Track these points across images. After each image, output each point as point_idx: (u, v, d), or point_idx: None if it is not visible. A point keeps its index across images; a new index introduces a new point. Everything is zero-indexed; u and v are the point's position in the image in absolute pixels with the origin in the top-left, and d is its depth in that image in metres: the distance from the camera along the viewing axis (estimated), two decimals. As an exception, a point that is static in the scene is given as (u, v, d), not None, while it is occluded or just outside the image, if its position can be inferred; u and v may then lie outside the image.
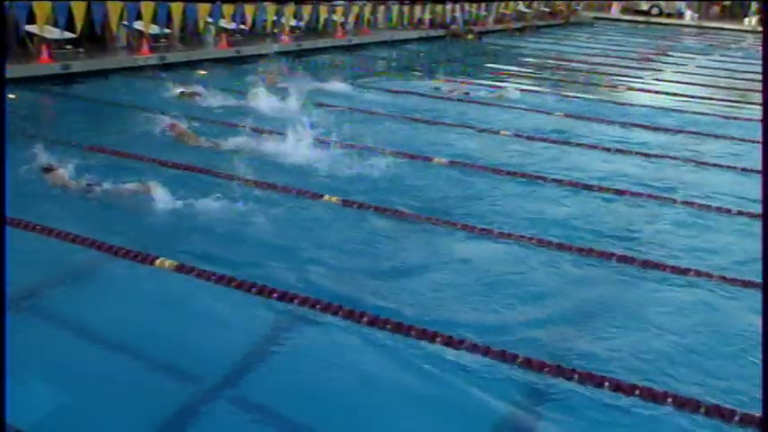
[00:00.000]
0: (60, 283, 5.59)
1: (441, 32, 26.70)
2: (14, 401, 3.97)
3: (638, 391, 4.35)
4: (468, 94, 14.48)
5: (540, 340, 4.96)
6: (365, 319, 4.97)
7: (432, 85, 15.60)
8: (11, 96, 11.80)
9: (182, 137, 9.42)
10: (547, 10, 36.61)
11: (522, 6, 34.49)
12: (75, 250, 5.96)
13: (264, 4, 20.12)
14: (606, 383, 4.40)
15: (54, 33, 14.50)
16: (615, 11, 43.35)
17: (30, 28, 14.44)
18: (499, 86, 15.74)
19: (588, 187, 8.46)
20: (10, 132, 9.45)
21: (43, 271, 5.68)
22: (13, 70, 13.40)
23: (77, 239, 6.05)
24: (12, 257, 5.81)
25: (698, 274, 6.10)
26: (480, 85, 15.96)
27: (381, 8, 24.99)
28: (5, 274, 3.51)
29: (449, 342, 4.74)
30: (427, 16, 26.57)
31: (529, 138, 11.00)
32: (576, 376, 4.46)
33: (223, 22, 18.37)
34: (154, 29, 16.56)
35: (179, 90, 12.22)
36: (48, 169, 7.64)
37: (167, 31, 17.01)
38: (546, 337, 5.01)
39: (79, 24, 14.92)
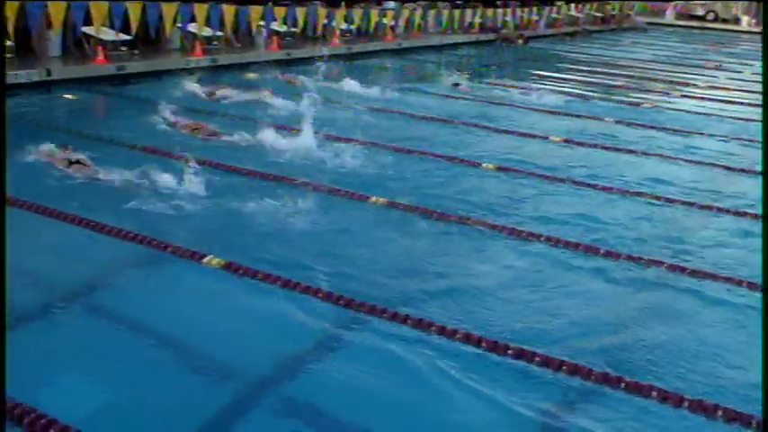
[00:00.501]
0: (111, 280, 5.69)
1: (491, 37, 26.60)
2: (65, 395, 4.08)
3: (686, 403, 4.28)
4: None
5: (586, 347, 4.90)
6: (409, 322, 4.97)
7: (450, 82, 15.61)
8: (70, 96, 12.08)
9: (196, 132, 9.70)
10: (599, 15, 36.22)
11: (573, 11, 34.17)
12: (126, 247, 6.06)
13: (316, 7, 20.26)
14: (654, 393, 4.34)
15: (110, 35, 14.78)
16: (669, 16, 42.69)
17: (86, 29, 14.74)
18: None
19: (639, 194, 8.35)
20: (61, 130, 9.71)
21: (95, 267, 5.79)
22: (71, 71, 13.72)
23: (128, 236, 6.15)
24: (64, 253, 6.00)
25: (751, 285, 5.98)
26: (529, 89, 15.86)
27: (432, 12, 24.99)
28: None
29: (494, 348, 4.72)
30: (478, 20, 26.49)
31: (578, 143, 10.90)
32: (623, 384, 4.41)
33: (275, 25, 18.54)
34: (207, 31, 16.78)
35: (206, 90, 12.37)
36: (73, 162, 7.87)
37: (220, 33, 17.22)
38: (592, 345, 4.96)
39: (134, 26, 15.18)
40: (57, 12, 13.85)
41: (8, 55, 13.01)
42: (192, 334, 4.85)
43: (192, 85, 13.10)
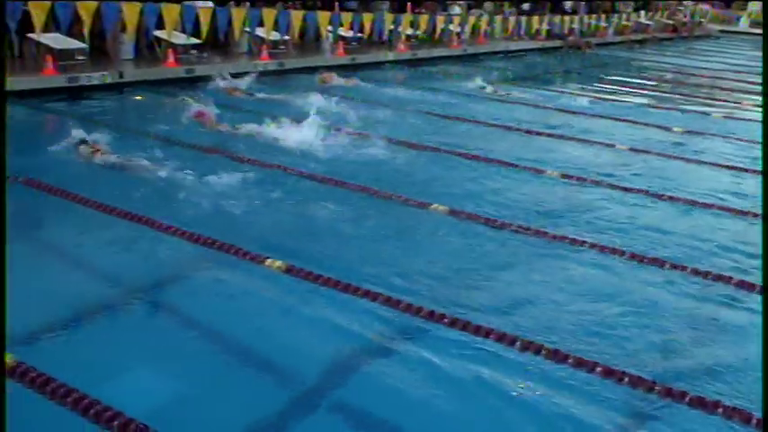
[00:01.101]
0: (175, 279, 5.80)
1: (557, 43, 26.36)
2: (129, 389, 4.17)
3: (754, 421, 4.17)
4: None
5: (651, 360, 4.82)
6: (469, 329, 4.95)
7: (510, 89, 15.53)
8: (138, 97, 12.35)
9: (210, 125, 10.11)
10: (669, 22, 35.58)
11: (643, 18, 33.63)
12: (190, 247, 6.17)
13: (383, 13, 20.36)
14: (720, 409, 4.24)
15: (180, 39, 15.08)
16: (743, 24, 41.67)
17: (158, 33, 15.08)
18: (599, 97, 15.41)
19: (707, 206, 8.16)
20: (129, 128, 9.94)
21: (160, 266, 5.91)
22: (142, 73, 14.06)
23: (192, 236, 6.26)
24: (131, 252, 6.14)
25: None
26: (599, 97, 15.68)
27: (498, 18, 24.87)
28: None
29: (553, 355, 4.68)
30: (545, 27, 26.27)
31: (644, 152, 10.73)
32: (687, 399, 4.32)
33: (341, 31, 18.69)
34: (274, 35, 17.00)
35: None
36: (88, 148, 8.31)
37: (287, 37, 17.43)
38: (657, 358, 4.87)
39: (204, 30, 15.47)
40: (131, 15, 14.21)
41: (82, 57, 13.39)
42: (253, 335, 4.92)
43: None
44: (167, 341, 4.82)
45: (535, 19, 25.99)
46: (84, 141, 8.57)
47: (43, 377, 3.95)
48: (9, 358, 4.09)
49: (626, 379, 4.49)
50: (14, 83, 12.07)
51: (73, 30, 13.43)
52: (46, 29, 13.09)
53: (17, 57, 13.92)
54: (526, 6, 28.11)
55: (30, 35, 13.19)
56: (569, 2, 29.79)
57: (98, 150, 8.42)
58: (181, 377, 4.38)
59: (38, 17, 12.68)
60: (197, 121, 10.32)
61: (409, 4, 22.04)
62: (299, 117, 10.61)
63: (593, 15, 29.76)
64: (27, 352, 4.31)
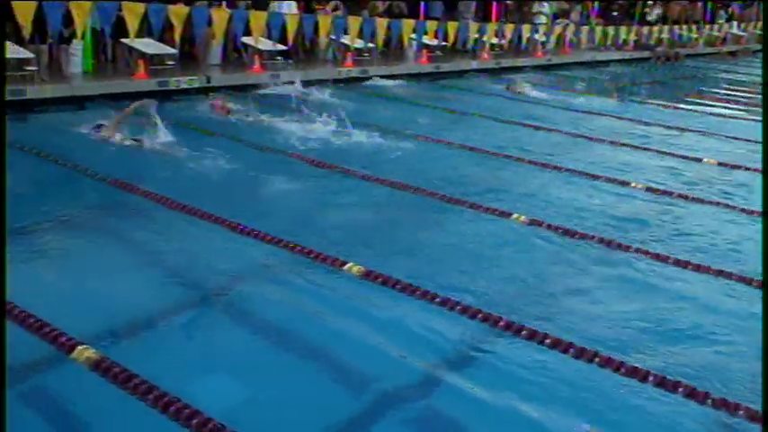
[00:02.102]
0: (254, 281, 5.86)
1: (645, 54, 25.84)
2: (206, 390, 4.24)
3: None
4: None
5: (736, 379, 4.66)
6: (548, 341, 4.87)
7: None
8: (232, 106, 12.58)
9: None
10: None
11: (736, 29, 32.70)
12: (269, 249, 6.24)
13: (468, 22, 20.32)
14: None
15: (267, 45, 15.34)
16: None
17: (245, 39, 15.37)
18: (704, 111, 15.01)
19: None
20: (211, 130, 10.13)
21: (239, 268, 5.99)
22: (229, 78, 14.36)
23: (273, 240, 6.33)
24: (214, 253, 6.25)
25: None
26: (684, 109, 15.31)
27: (584, 29, 24.54)
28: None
29: (633, 372, 4.55)
30: (632, 38, 25.79)
31: (734, 166, 10.41)
32: (773, 423, 4.15)
33: (426, 39, 18.72)
34: (359, 43, 17.14)
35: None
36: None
37: (371, 45, 17.54)
38: (741, 378, 4.70)
39: (291, 37, 15.69)
40: (220, 22, 14.52)
41: (171, 62, 13.74)
42: (328, 339, 4.92)
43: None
44: (244, 343, 4.88)
45: (623, 29, 25.54)
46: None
47: (126, 373, 4.04)
48: (93, 353, 4.20)
49: (709, 400, 4.33)
50: (107, 86, 12.49)
51: (164, 35, 13.80)
52: (138, 34, 13.47)
53: (110, 60, 14.39)
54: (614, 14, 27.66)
55: (123, 40, 13.60)
56: (654, 11, 29.16)
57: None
58: (257, 379, 4.42)
59: (131, 22, 13.06)
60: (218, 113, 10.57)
61: (494, 11, 21.95)
62: (372, 123, 10.67)
63: (684, 26, 29.09)
64: (110, 347, 4.42)
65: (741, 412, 4.24)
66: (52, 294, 5.26)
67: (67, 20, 12.28)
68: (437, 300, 5.35)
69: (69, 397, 4.11)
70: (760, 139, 12.45)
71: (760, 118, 14.83)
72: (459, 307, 5.26)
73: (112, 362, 4.13)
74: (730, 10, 33.74)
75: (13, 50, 11.60)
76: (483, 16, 22.49)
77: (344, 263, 5.88)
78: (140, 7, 13.23)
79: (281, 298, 5.56)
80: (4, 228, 4.18)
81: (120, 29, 13.30)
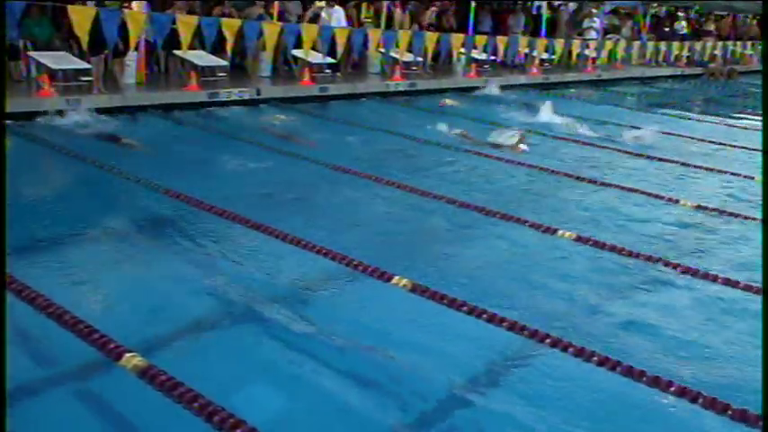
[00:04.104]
0: (303, 293, 5.87)
1: (697, 71, 25.49)
2: (250, 400, 4.26)
3: None
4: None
5: None
6: (595, 359, 4.80)
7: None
8: (282, 117, 12.67)
9: None
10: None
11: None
12: (320, 262, 6.26)
13: (518, 36, 20.26)
14: None
15: (317, 58, 15.47)
16: None
17: (296, 52, 15.52)
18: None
19: None
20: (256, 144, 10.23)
21: (286, 279, 6.02)
22: (278, 90, 14.51)
23: (321, 251, 6.35)
24: (261, 263, 6.30)
25: None
26: (739, 127, 15.04)
27: (636, 44, 24.30)
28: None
29: (682, 393, 4.47)
30: (684, 53, 25.46)
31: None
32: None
33: (474, 53, 18.71)
34: (407, 56, 17.19)
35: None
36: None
37: (420, 59, 17.58)
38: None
39: (340, 51, 15.79)
40: (271, 34, 14.68)
41: (223, 74, 13.92)
42: (373, 353, 4.92)
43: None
44: (289, 354, 4.89)
45: (675, 45, 25.24)
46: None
47: (172, 381, 4.08)
48: (140, 360, 4.25)
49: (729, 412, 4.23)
50: (160, 97, 12.70)
51: (215, 47, 14.00)
52: (191, 46, 13.69)
53: (163, 72, 14.64)
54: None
55: (176, 52, 13.82)
56: (682, 23, 28.70)
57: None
58: (300, 391, 4.43)
59: (185, 35, 13.27)
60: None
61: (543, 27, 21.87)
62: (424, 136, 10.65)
63: (738, 42, 28.63)
64: (158, 355, 4.47)
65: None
66: (102, 301, 5.35)
67: (123, 32, 12.51)
68: (485, 315, 5.30)
69: (116, 403, 4.16)
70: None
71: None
72: (505, 323, 5.21)
73: (159, 369, 4.17)
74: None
75: (71, 61, 11.87)
76: (533, 31, 22.40)
77: (392, 276, 5.87)
78: (194, 20, 13.45)
79: (327, 310, 5.57)
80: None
81: (172, 41, 13.51)
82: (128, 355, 4.29)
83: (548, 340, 5.01)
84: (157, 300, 5.43)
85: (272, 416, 4.07)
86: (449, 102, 15.81)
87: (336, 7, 16.85)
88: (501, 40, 19.16)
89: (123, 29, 12.49)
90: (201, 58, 13.76)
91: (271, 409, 4.18)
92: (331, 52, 15.73)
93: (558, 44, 21.02)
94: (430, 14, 19.72)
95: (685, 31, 28.06)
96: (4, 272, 3.75)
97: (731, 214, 8.49)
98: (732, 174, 10.73)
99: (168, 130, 11.59)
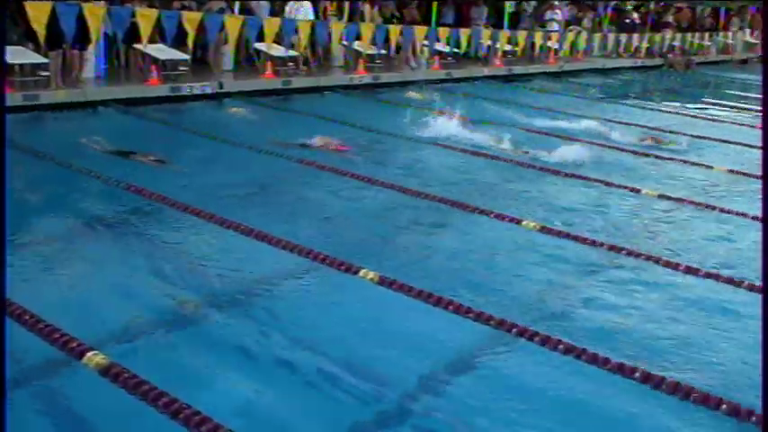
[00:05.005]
0: (269, 287, 5.83)
1: (657, 62, 25.77)
2: (216, 396, 4.22)
3: None
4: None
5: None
6: (561, 347, 4.83)
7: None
8: (245, 111, 12.57)
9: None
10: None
11: (749, 37, 32.59)
12: (284, 256, 6.22)
13: (480, 29, 20.31)
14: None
15: (279, 51, 15.37)
16: None
17: (258, 45, 15.41)
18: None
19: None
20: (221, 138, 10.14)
21: (253, 274, 5.97)
22: (241, 84, 14.39)
23: (287, 246, 6.31)
24: (227, 259, 6.25)
25: None
26: (697, 116, 15.23)
27: (597, 36, 24.50)
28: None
29: (646, 378, 4.51)
30: (644, 45, 25.72)
31: (744, 174, 10.37)
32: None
33: (438, 46, 18.72)
34: (371, 49, 17.14)
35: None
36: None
37: (383, 52, 17.54)
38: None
39: (302, 44, 15.71)
40: (233, 28, 14.55)
41: (184, 68, 13.78)
42: (342, 346, 4.89)
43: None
44: (257, 349, 4.84)
45: (635, 36, 25.49)
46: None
47: (136, 379, 4.03)
48: (102, 358, 4.19)
49: (723, 406, 4.28)
50: (120, 92, 12.53)
51: (176, 41, 13.84)
52: (152, 40, 13.52)
53: (123, 66, 14.45)
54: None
55: (136, 45, 13.65)
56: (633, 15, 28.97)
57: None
58: (269, 386, 4.40)
59: (145, 28, 13.10)
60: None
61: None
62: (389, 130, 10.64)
63: (696, 34, 29.00)
64: (121, 353, 4.41)
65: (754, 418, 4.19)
66: (63, 300, 5.26)
67: (81, 25, 12.31)
68: (451, 307, 5.31)
69: (79, 402, 4.10)
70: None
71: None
72: (471, 314, 5.22)
73: (122, 367, 4.12)
74: (748, 16, 33.59)
75: (27, 56, 11.66)
76: (495, 23, 22.47)
77: (359, 269, 5.85)
78: (153, 13, 13.28)
79: (295, 304, 5.54)
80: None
81: (133, 34, 13.33)
82: (90, 353, 4.23)
83: (514, 330, 5.03)
84: (119, 297, 5.36)
85: (237, 412, 4.03)
86: (414, 94, 15.81)
87: (305, 2, 16.77)
88: (464, 33, 19.18)
89: (82, 22, 12.29)
90: (162, 51, 13.60)
91: (236, 405, 4.14)
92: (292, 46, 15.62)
93: (521, 36, 21.11)
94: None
95: (637, 21, 28.30)
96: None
97: (691, 203, 8.60)
98: (693, 163, 10.87)
99: (129, 125, 11.44)
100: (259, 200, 7.82)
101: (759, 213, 8.21)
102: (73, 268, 5.89)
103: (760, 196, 9.26)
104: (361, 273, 5.80)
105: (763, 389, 4.07)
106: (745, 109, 17.55)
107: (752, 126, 14.91)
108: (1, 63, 10.76)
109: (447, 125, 11.91)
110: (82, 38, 12.38)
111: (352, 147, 9.89)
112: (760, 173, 10.34)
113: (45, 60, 11.78)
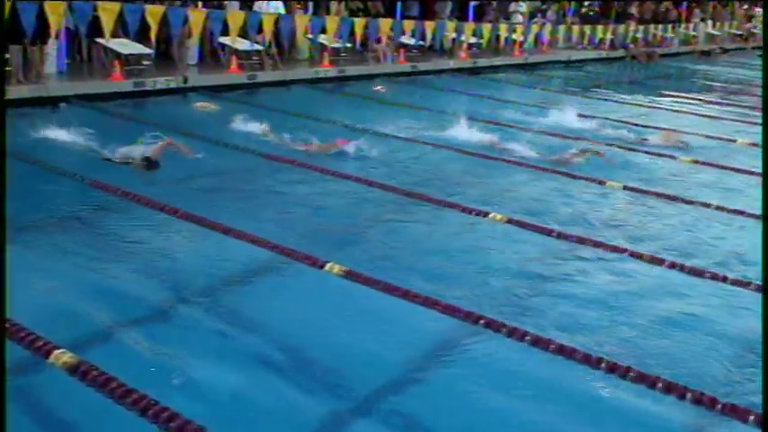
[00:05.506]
0: (235, 282, 5.82)
1: (621, 53, 26.02)
2: (186, 392, 4.20)
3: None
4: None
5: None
6: (528, 338, 4.88)
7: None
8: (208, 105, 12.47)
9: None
10: (739, 33, 34.86)
11: (711, 29, 33.00)
12: (251, 250, 6.21)
13: (445, 21, 20.35)
14: None
15: (244, 45, 15.28)
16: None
17: (223, 39, 15.30)
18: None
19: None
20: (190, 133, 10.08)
21: (221, 269, 5.95)
22: (206, 79, 14.29)
23: (254, 240, 6.30)
24: (195, 254, 6.22)
25: None
26: (660, 107, 15.39)
27: (561, 28, 24.66)
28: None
29: (612, 368, 4.57)
30: (608, 37, 25.95)
31: (706, 164, 10.54)
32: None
33: (403, 38, 18.72)
34: (336, 43, 17.09)
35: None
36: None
37: (348, 45, 17.51)
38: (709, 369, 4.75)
39: (268, 37, 15.63)
40: (196, 22, 14.43)
41: (147, 62, 13.64)
42: (310, 339, 4.91)
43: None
44: (225, 344, 4.84)
45: (599, 28, 25.70)
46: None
47: (104, 376, 4.00)
48: (70, 356, 4.16)
49: (688, 395, 4.36)
50: (83, 87, 12.38)
51: (140, 35, 13.71)
52: (114, 34, 13.37)
53: (86, 61, 14.27)
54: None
55: (98, 40, 13.49)
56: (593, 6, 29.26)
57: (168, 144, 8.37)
58: (238, 380, 4.39)
59: (107, 22, 12.95)
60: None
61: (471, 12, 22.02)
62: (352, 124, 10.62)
63: (659, 26, 29.31)
64: (88, 351, 4.38)
65: (753, 418, 4.24)
66: (28, 298, 5.19)
67: (42, 20, 12.13)
68: (418, 299, 5.34)
69: (48, 401, 4.07)
70: (732, 136, 12.59)
71: (733, 117, 15.02)
72: (439, 306, 5.26)
73: (91, 365, 4.09)
74: (709, 8, 34.04)
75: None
76: (459, 16, 22.53)
77: (325, 263, 5.86)
78: (116, 6, 13.12)
79: (263, 298, 5.54)
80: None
81: (95, 29, 13.17)
82: (57, 351, 4.20)
83: (481, 321, 5.07)
84: (85, 294, 5.31)
85: (206, 408, 4.02)
86: (381, 87, 15.83)
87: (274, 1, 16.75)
88: (429, 25, 19.21)
89: (42, 17, 12.11)
90: (125, 45, 13.45)
91: (205, 401, 4.13)
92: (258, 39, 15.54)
93: (486, 29, 21.18)
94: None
95: (592, 12, 28.52)
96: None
97: (656, 194, 8.71)
98: (657, 154, 11.00)
99: (93, 120, 11.30)
100: (225, 194, 7.78)
101: (722, 203, 8.36)
102: (38, 266, 5.82)
103: (723, 186, 9.43)
104: (327, 266, 5.81)
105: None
106: (707, 100, 17.77)
107: (714, 117, 15.14)
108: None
109: (412, 118, 11.94)
110: (42, 33, 12.20)
111: (318, 141, 9.87)
112: (723, 164, 10.52)
113: (6, 55, 11.59)
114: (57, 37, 12.70)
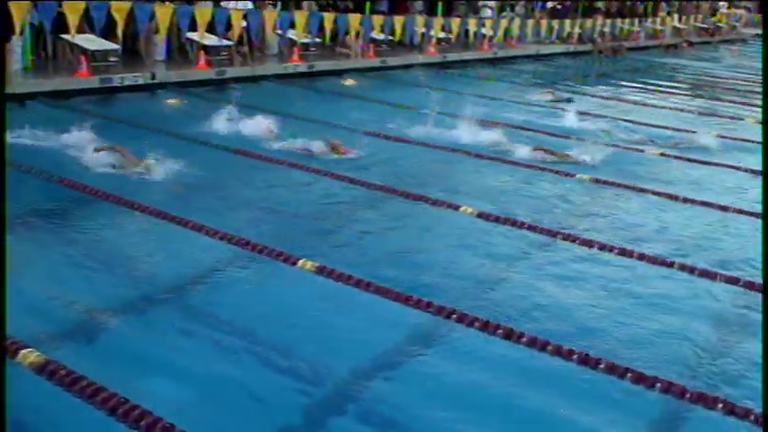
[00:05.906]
0: (206, 279, 5.78)
1: (589, 47, 26.21)
2: (156, 390, 4.17)
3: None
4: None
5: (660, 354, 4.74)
6: (500, 332, 4.89)
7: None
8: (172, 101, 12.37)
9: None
10: (704, 27, 35.25)
11: (677, 23, 33.34)
12: (222, 247, 6.16)
13: (414, 16, 20.35)
14: (752, 416, 4.14)
15: (212, 40, 15.16)
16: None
17: (191, 35, 15.17)
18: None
19: (742, 212, 8.04)
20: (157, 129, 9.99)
21: (191, 266, 5.91)
22: (174, 75, 14.15)
23: (225, 236, 6.25)
24: (166, 251, 6.17)
25: None
26: (627, 100, 15.51)
27: (530, 22, 24.77)
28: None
29: (585, 361, 4.60)
30: (576, 31, 26.11)
31: (675, 157, 10.64)
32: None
33: (372, 33, 18.69)
34: (305, 38, 17.02)
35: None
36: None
37: (317, 40, 17.44)
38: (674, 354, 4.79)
39: (236, 32, 15.52)
40: (164, 17, 14.30)
41: (114, 59, 13.49)
42: (283, 335, 4.89)
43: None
44: (197, 341, 4.81)
45: (567, 22, 25.86)
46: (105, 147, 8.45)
47: (72, 375, 3.96)
48: (38, 356, 4.11)
49: (658, 384, 4.40)
50: (49, 84, 12.22)
51: (106, 31, 13.55)
52: (80, 30, 13.20)
53: (51, 57, 14.08)
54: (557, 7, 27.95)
55: (64, 36, 13.31)
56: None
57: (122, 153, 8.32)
58: (209, 377, 4.37)
59: (72, 18, 12.78)
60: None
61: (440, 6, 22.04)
62: (328, 120, 10.57)
63: (626, 20, 29.55)
64: (56, 350, 4.33)
65: (688, 395, 4.31)
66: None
67: (5, 16, 11.95)
68: (390, 294, 5.34)
69: (15, 402, 3.99)
70: (697, 129, 12.72)
71: (700, 109, 15.19)
72: (411, 301, 5.26)
73: (59, 364, 4.04)
74: (675, 3, 34.39)
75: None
76: (429, 10, 22.53)
77: (298, 259, 5.83)
78: (81, 2, 12.96)
79: (235, 295, 5.50)
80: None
81: (60, 25, 13.00)
82: (24, 351, 4.14)
83: (454, 316, 5.08)
84: (52, 293, 5.25)
85: (177, 405, 3.98)
86: (350, 82, 15.79)
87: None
88: (398, 20, 19.19)
89: (6, 13, 11.92)
90: (91, 42, 13.29)
91: (175, 398, 4.09)
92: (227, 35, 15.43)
93: (455, 23, 21.22)
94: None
95: (552, 5, 28.67)
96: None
97: (621, 185, 8.77)
98: (624, 148, 11.08)
99: (59, 118, 11.16)
100: (195, 191, 7.72)
101: (689, 195, 8.45)
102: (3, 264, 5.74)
103: (691, 179, 9.53)
104: (300, 263, 5.79)
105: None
106: (673, 93, 17.95)
107: (680, 110, 15.30)
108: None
109: (382, 113, 11.93)
110: (5, 29, 12.00)
111: (287, 136, 9.83)
112: (691, 156, 10.63)
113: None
114: (21, 33, 12.51)
